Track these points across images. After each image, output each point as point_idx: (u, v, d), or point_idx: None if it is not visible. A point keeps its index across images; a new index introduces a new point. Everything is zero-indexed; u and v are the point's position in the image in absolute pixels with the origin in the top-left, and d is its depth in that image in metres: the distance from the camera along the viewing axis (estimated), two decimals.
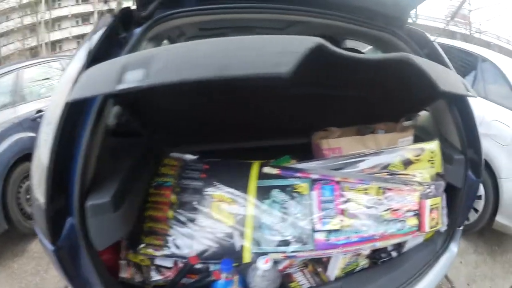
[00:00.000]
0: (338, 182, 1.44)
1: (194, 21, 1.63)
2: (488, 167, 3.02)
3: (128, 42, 1.33)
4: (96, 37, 1.27)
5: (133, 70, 0.88)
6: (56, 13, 30.34)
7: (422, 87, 1.30)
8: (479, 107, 3.06)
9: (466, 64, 3.64)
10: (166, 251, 1.40)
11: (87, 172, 1.13)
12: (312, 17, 1.72)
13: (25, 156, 3.46)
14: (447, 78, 1.37)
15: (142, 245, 1.41)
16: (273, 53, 0.93)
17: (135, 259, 1.43)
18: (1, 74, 3.88)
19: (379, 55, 1.24)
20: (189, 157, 1.62)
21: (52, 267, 2.73)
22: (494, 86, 3.32)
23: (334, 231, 1.38)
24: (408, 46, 1.77)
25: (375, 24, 1.79)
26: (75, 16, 32.46)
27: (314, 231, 1.38)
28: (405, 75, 1.28)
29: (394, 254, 1.70)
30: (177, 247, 1.41)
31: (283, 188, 1.44)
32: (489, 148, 2.99)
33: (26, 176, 3.46)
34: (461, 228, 1.84)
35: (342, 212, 1.40)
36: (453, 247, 1.79)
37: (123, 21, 1.41)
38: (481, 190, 3.10)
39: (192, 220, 1.44)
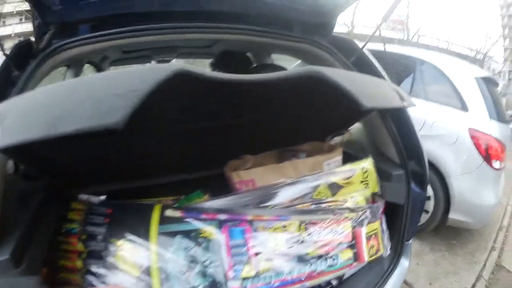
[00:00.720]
0: (250, 222, 1.16)
1: (95, 48, 1.37)
2: (435, 168, 2.85)
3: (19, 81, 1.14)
4: None
5: None
6: None
7: (346, 103, 1.02)
8: (421, 110, 2.90)
9: (403, 67, 3.42)
10: None
11: None
12: (232, 34, 1.48)
13: None
14: (374, 91, 1.12)
15: None
16: (107, 97, 0.68)
17: None
18: None
19: (279, 73, 0.96)
20: (95, 199, 1.33)
21: None
22: (435, 87, 3.15)
23: (250, 278, 1.10)
24: (332, 56, 1.52)
25: (294, 35, 1.52)
26: (19, 35, 28.98)
27: (227, 280, 1.10)
28: (323, 92, 1.02)
29: (335, 283, 1.42)
30: None
31: (187, 234, 1.16)
32: (434, 149, 2.82)
33: None
34: (410, 241, 1.60)
35: (256, 255, 1.12)
36: (404, 262, 1.55)
37: (19, 57, 1.22)
38: (429, 191, 2.92)
39: (100, 271, 1.18)
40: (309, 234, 1.17)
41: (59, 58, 1.30)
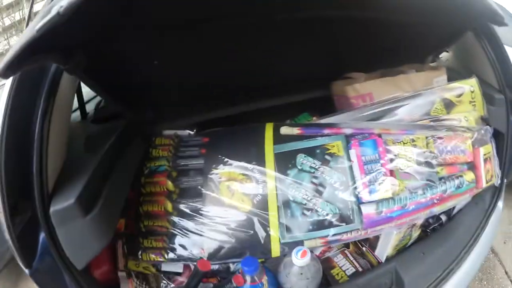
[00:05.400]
0: (379, 135, 1.07)
1: None
2: None
3: None
4: None
5: None
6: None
7: (455, 12, 1.05)
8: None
9: None
10: (170, 255, 1.10)
11: (48, 169, 0.87)
12: None
13: None
14: None
15: (140, 251, 1.13)
16: None
17: (137, 268, 1.17)
18: None
19: None
20: (185, 133, 1.29)
21: None
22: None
23: (385, 200, 1.01)
24: None
25: None
26: None
27: (360, 203, 1.01)
28: None
29: (444, 218, 1.38)
30: (184, 247, 1.10)
31: (310, 151, 1.06)
32: None
33: None
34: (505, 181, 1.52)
35: (392, 173, 1.03)
36: (499, 204, 1.51)
37: None
38: None
39: (197, 211, 1.12)
40: (438, 150, 1.09)
41: None
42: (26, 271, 0.89)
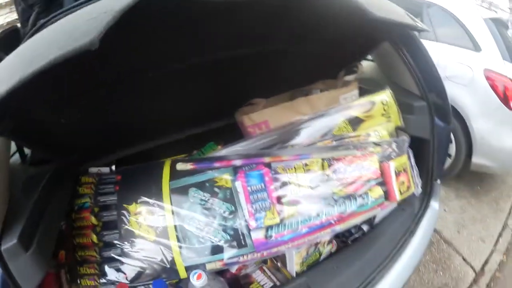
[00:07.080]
0: (268, 165, 1.03)
1: None
2: (454, 110, 2.62)
3: None
4: None
5: None
6: None
7: (358, 25, 0.96)
8: (432, 51, 2.69)
9: (409, 12, 3.20)
10: (102, 280, 1.11)
11: None
12: None
13: None
14: (383, 4, 1.01)
15: (79, 277, 1.14)
16: (80, 24, 0.64)
17: None
18: None
19: None
20: (106, 169, 1.28)
21: None
22: (445, 29, 2.96)
23: (274, 225, 0.97)
24: None
25: None
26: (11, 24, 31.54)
27: (249, 230, 0.98)
28: (334, 13, 0.90)
29: (366, 228, 1.30)
30: (111, 273, 1.10)
31: (201, 185, 1.04)
32: (450, 91, 2.60)
33: None
34: (438, 181, 1.46)
35: (279, 200, 0.99)
36: (434, 204, 1.41)
37: (6, 43, 1.16)
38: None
39: (116, 241, 1.12)
40: (334, 172, 1.03)
41: None
42: None
